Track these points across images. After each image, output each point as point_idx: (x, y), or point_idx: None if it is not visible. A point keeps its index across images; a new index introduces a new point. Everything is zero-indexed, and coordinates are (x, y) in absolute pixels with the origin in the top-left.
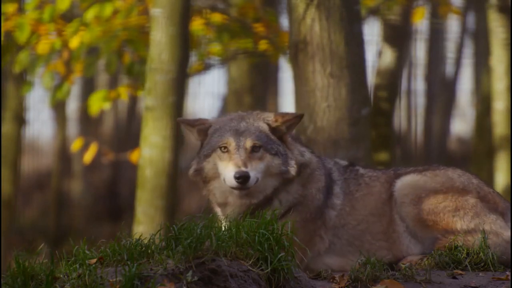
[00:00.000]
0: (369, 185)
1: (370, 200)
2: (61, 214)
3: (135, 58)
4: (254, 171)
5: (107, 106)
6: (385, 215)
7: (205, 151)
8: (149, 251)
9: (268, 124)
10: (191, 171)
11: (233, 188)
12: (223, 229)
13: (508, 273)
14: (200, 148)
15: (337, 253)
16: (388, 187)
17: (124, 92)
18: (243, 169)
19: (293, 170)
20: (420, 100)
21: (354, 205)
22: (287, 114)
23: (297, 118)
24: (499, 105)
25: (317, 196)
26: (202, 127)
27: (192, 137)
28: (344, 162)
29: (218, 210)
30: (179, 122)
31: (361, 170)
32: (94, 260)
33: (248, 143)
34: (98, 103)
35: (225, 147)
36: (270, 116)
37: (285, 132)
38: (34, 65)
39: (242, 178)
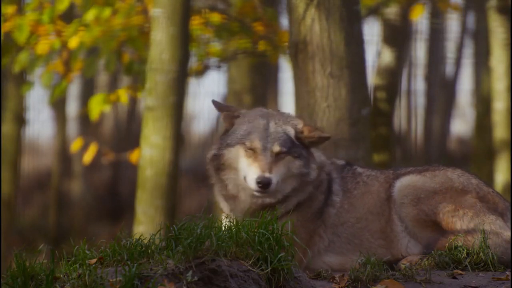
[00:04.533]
0: (368, 184)
1: (369, 199)
2: (61, 214)
3: (134, 58)
4: (277, 175)
5: (107, 108)
6: (383, 214)
7: (229, 140)
8: (149, 251)
9: (295, 131)
10: (209, 155)
11: (253, 190)
12: (223, 229)
13: (508, 273)
14: (223, 134)
15: (336, 251)
16: (387, 187)
17: (123, 95)
18: (267, 174)
19: (314, 173)
20: (420, 100)
21: (353, 202)
22: (315, 130)
23: (321, 139)
24: (499, 105)
25: (320, 197)
26: (229, 114)
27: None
28: (341, 162)
29: (224, 205)
30: (212, 102)
31: (359, 169)
32: (94, 260)
33: (275, 148)
34: (98, 107)
35: (252, 148)
36: (300, 124)
37: (307, 144)
38: (33, 65)
39: (263, 184)
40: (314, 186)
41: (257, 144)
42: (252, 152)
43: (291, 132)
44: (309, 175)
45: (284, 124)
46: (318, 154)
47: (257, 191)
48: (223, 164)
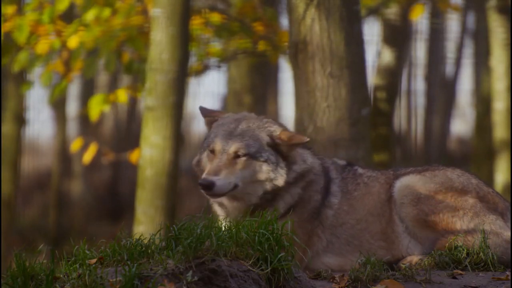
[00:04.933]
0: (368, 185)
1: (369, 200)
2: (61, 214)
3: (134, 57)
4: (230, 178)
5: (106, 109)
6: (384, 215)
7: (205, 144)
8: (149, 251)
9: (271, 138)
10: (194, 161)
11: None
12: (223, 229)
13: (508, 273)
14: (204, 138)
15: (335, 252)
16: (388, 188)
17: (123, 95)
18: (209, 177)
19: (281, 179)
20: (420, 100)
21: (353, 204)
22: (293, 137)
23: (302, 144)
24: (499, 105)
25: (315, 197)
26: (210, 119)
27: None
28: (342, 162)
29: (217, 209)
30: (199, 108)
31: (360, 170)
32: (94, 260)
33: (233, 148)
34: (97, 107)
35: (212, 150)
36: (276, 131)
37: (285, 151)
38: (32, 64)
39: (202, 186)
40: (301, 187)
41: (216, 146)
42: (212, 155)
43: (264, 138)
44: (276, 180)
45: (259, 129)
46: (305, 156)
47: (204, 193)
48: (202, 170)
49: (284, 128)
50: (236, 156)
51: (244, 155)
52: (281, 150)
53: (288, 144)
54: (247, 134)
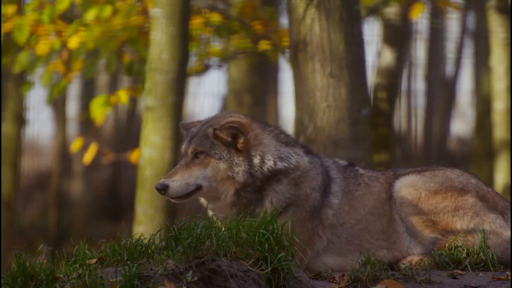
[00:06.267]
0: (369, 185)
1: (370, 200)
2: (61, 214)
3: (134, 58)
4: (187, 179)
5: (108, 111)
6: (384, 215)
7: None
8: (149, 251)
9: (214, 129)
10: None
11: None
12: (222, 229)
13: (508, 273)
14: None
15: (336, 252)
16: (388, 188)
17: (124, 96)
18: (164, 180)
19: (239, 176)
20: (420, 100)
21: (353, 204)
22: (223, 125)
23: (231, 129)
24: (499, 105)
25: (313, 195)
26: (187, 132)
27: None
28: (343, 162)
29: (209, 211)
30: (179, 125)
31: (361, 170)
32: (94, 260)
33: (190, 149)
34: (100, 110)
35: (181, 155)
36: (221, 124)
37: (229, 141)
38: (33, 65)
39: (158, 189)
40: (292, 184)
41: (182, 150)
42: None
43: (210, 133)
44: (236, 177)
45: (211, 126)
46: (284, 152)
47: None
48: None
49: (235, 121)
50: (195, 156)
51: (201, 152)
52: (236, 146)
53: (223, 128)
54: (200, 133)
